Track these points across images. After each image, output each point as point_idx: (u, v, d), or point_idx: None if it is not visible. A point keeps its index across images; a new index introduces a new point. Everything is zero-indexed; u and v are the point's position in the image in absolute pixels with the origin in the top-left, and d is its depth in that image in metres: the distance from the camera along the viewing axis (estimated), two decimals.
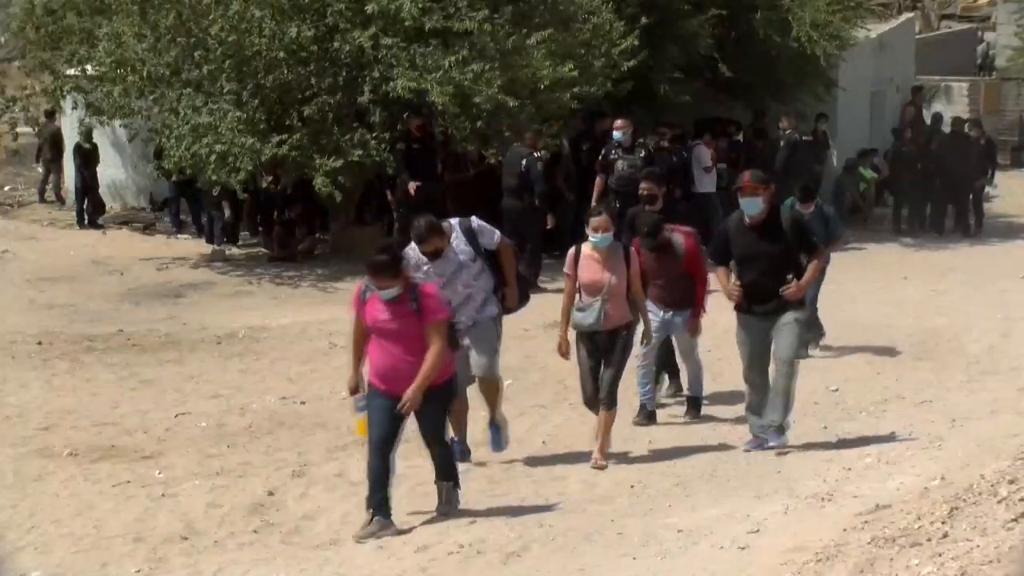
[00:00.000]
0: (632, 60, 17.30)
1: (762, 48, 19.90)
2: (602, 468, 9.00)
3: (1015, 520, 5.46)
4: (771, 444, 9.11)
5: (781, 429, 9.12)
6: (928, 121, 22.51)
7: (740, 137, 19.96)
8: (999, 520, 5.53)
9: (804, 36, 19.56)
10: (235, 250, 18.93)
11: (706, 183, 18.82)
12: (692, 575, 6.44)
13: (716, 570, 6.37)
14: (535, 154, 16.12)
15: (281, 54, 16.45)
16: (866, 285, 15.82)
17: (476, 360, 9.11)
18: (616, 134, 16.11)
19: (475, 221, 9.19)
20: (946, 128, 21.55)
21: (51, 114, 21.86)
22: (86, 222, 20.52)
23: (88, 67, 18.43)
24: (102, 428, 10.18)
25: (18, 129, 21.97)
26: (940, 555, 5.22)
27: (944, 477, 7.17)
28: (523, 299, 9.35)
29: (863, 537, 5.86)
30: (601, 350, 9.11)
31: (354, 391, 8.10)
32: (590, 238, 9.05)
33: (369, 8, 16.33)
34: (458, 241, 9.03)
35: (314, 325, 13.85)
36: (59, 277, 16.88)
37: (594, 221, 9.08)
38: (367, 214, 19.17)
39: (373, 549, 7.67)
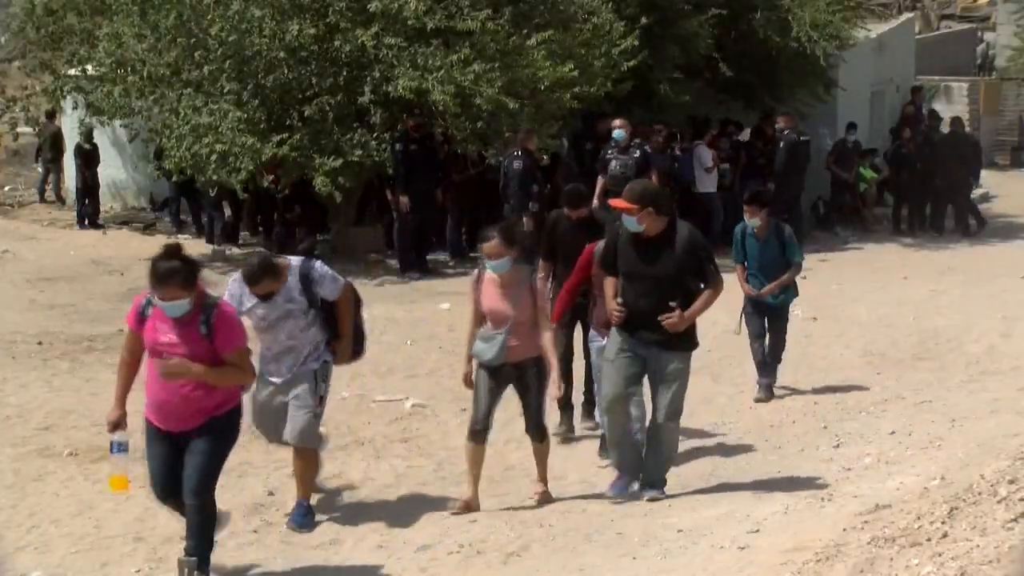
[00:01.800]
0: (632, 60, 17.31)
1: (762, 48, 19.92)
2: (549, 500, 8.27)
3: (1015, 520, 5.46)
4: (651, 495, 8.13)
5: (663, 482, 8.22)
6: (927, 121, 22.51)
7: (740, 137, 19.96)
8: (999, 520, 5.53)
9: (804, 36, 19.57)
10: (235, 250, 18.93)
11: (707, 183, 18.85)
12: (692, 575, 6.44)
13: (716, 570, 6.36)
14: (516, 153, 16.07)
15: (281, 54, 16.46)
16: (866, 285, 15.82)
17: (289, 425, 7.86)
18: (615, 133, 16.12)
19: (317, 268, 7.92)
20: (944, 128, 21.55)
21: (51, 114, 21.89)
22: (86, 222, 20.52)
23: (88, 67, 18.45)
24: (102, 428, 10.11)
25: (18, 129, 22.00)
26: (940, 555, 5.22)
27: (944, 477, 7.16)
28: (356, 354, 8.36)
29: (863, 537, 5.86)
30: (508, 383, 8.17)
31: (115, 426, 6.78)
32: (489, 264, 8.01)
33: (371, 7, 16.35)
34: (292, 287, 7.82)
35: None
36: (59, 277, 16.88)
37: (484, 247, 8.01)
38: (367, 214, 19.19)
39: (373, 549, 7.68)
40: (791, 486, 8.10)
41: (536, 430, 8.32)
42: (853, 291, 15.37)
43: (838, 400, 10.73)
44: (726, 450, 9.44)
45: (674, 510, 7.96)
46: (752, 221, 10.83)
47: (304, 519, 7.95)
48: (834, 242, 19.72)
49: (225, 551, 7.70)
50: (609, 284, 8.14)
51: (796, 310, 14.12)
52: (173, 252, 6.47)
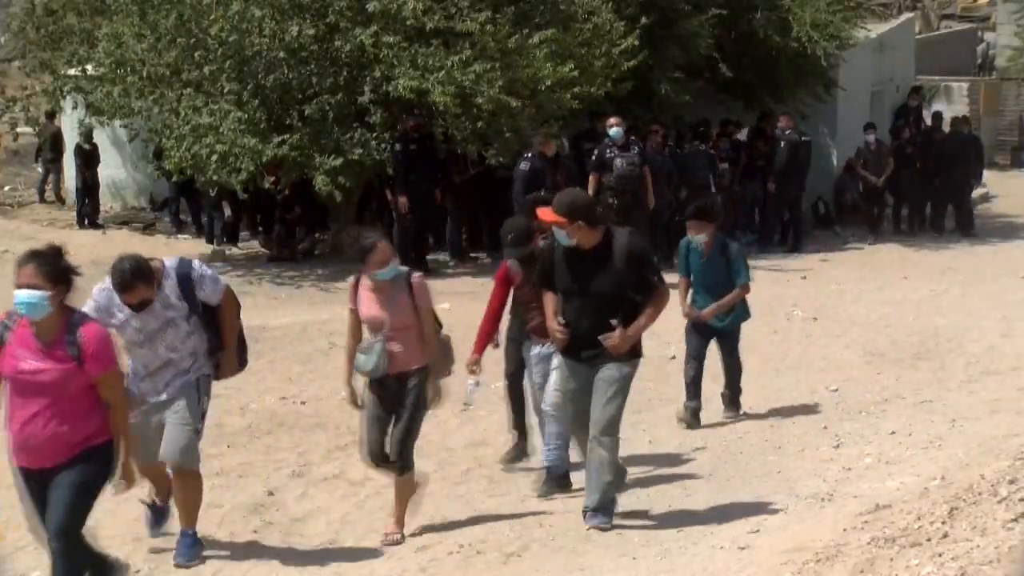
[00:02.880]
0: (632, 60, 17.31)
1: (762, 48, 19.92)
2: (396, 543, 7.61)
3: (1015, 520, 5.46)
4: (593, 523, 7.48)
5: (607, 509, 7.51)
6: (929, 121, 22.52)
7: (739, 136, 19.96)
8: (999, 520, 5.52)
9: (804, 36, 19.58)
10: (235, 250, 18.93)
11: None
12: (692, 575, 6.44)
13: (716, 570, 6.36)
14: (527, 155, 16.04)
15: (282, 54, 16.46)
16: (866, 285, 15.82)
17: (166, 442, 7.09)
18: (613, 131, 16.09)
19: (196, 268, 7.16)
20: (945, 128, 21.57)
21: (51, 114, 21.89)
22: (86, 222, 20.53)
23: (88, 67, 18.46)
24: None
25: (18, 129, 22.01)
26: (940, 555, 5.21)
27: (944, 477, 7.16)
28: (242, 365, 7.62)
29: (863, 537, 5.86)
30: (393, 399, 7.56)
31: None
32: (376, 273, 7.49)
33: (370, 7, 16.35)
34: (170, 292, 7.02)
35: (314, 325, 13.84)
36: None
37: (372, 257, 7.46)
38: (367, 214, 19.19)
39: (373, 549, 7.68)
40: (791, 486, 8.10)
41: (398, 458, 7.58)
42: (853, 291, 15.37)
43: (838, 400, 10.73)
44: (726, 450, 9.43)
45: (674, 510, 7.96)
46: (697, 237, 10.09)
47: (191, 551, 7.28)
48: (834, 242, 19.72)
49: (225, 551, 7.70)
50: (549, 300, 7.50)
51: (796, 310, 14.15)
52: (42, 254, 5.92)
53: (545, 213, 7.33)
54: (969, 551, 5.15)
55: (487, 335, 8.58)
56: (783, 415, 10.34)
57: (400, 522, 7.72)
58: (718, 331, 10.33)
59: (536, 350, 8.37)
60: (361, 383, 7.66)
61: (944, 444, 8.66)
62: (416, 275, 7.68)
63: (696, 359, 10.33)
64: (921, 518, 5.93)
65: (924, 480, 7.29)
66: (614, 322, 7.15)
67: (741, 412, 10.47)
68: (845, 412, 10.30)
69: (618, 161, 16.05)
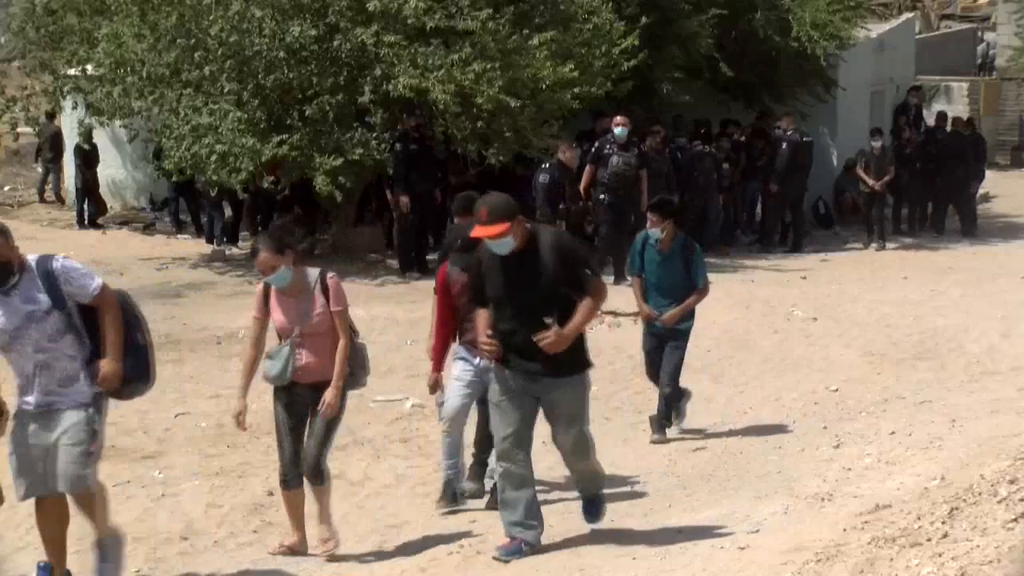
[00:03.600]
0: (632, 60, 17.31)
1: (762, 48, 19.92)
2: (331, 551, 7.38)
3: (1015, 520, 5.46)
4: (592, 522, 7.39)
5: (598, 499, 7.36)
6: (930, 120, 22.54)
7: (740, 137, 19.96)
8: (999, 520, 5.53)
9: (804, 36, 19.58)
10: (235, 250, 18.93)
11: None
12: (692, 575, 6.44)
13: (716, 570, 6.36)
14: (545, 166, 16.08)
15: (282, 54, 16.46)
16: (866, 285, 15.82)
17: (60, 468, 6.45)
18: (617, 130, 16.10)
19: (59, 261, 6.44)
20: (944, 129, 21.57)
21: (51, 114, 21.90)
22: (86, 222, 20.53)
23: (88, 67, 18.46)
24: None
25: (18, 129, 22.02)
26: (940, 555, 5.22)
27: (944, 477, 7.16)
28: (142, 379, 6.71)
29: (863, 537, 5.86)
30: (306, 410, 7.18)
31: None
32: (268, 280, 7.07)
33: (370, 7, 16.35)
34: (31, 284, 6.34)
35: None
36: None
37: (256, 262, 7.08)
38: (368, 214, 19.19)
39: (373, 549, 7.68)
40: (791, 486, 8.09)
41: (312, 470, 7.21)
42: (853, 291, 15.37)
43: (838, 400, 10.73)
44: (726, 450, 9.44)
45: (674, 510, 7.96)
46: (654, 231, 9.62)
47: (105, 564, 6.76)
48: (834, 242, 19.73)
49: (225, 551, 7.70)
50: (481, 317, 7.04)
51: (796, 310, 14.16)
52: None
53: (483, 231, 6.76)
54: (969, 551, 5.15)
55: (441, 349, 8.09)
56: (783, 415, 10.34)
57: (328, 523, 7.41)
58: (668, 332, 9.76)
59: (477, 363, 7.84)
60: (270, 396, 7.28)
61: (944, 444, 8.66)
62: (331, 276, 7.16)
63: (653, 378, 9.88)
64: (921, 518, 5.93)
65: (924, 480, 7.29)
66: (549, 320, 6.71)
67: (679, 430, 9.86)
68: (845, 412, 10.31)
69: (615, 159, 16.06)
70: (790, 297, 14.97)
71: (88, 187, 20.63)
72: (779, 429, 9.92)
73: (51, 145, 22.24)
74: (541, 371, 6.83)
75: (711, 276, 13.55)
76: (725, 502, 7.92)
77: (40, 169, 23.09)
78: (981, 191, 22.03)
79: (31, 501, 7.80)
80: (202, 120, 16.28)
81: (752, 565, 6.17)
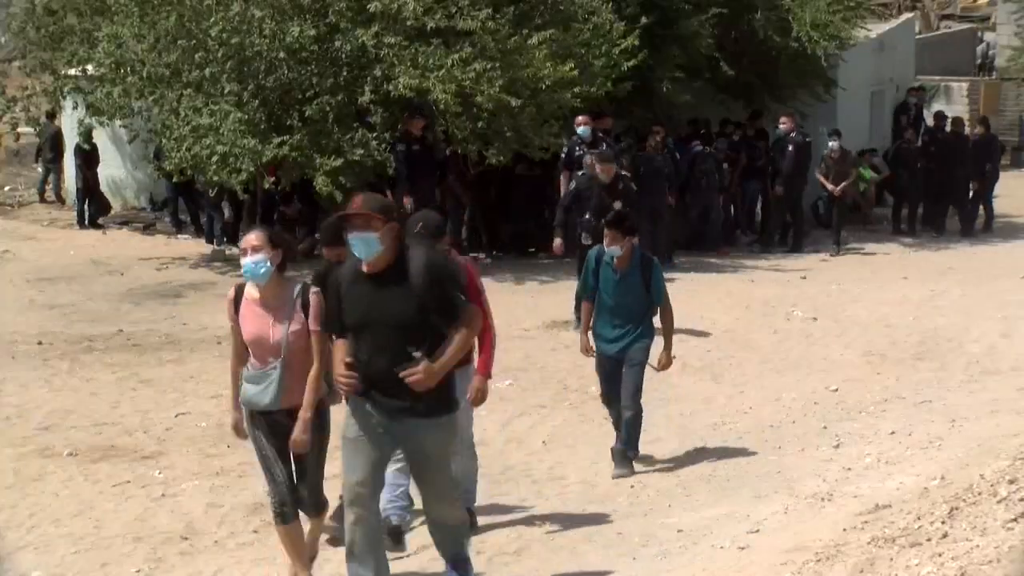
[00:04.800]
0: (632, 60, 17.31)
1: (762, 48, 19.92)
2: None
3: (1015, 520, 5.46)
4: None
5: (462, 557, 6.60)
6: (931, 121, 22.55)
7: (735, 135, 19.95)
8: (999, 520, 5.53)
9: (804, 36, 19.57)
10: (235, 250, 18.92)
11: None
12: (692, 575, 6.44)
13: (716, 570, 6.37)
14: (580, 172, 15.98)
15: (282, 54, 16.45)
16: (866, 285, 15.82)
17: None
18: (579, 130, 16.02)
19: None
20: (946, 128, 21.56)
21: (51, 114, 21.90)
22: (86, 222, 20.54)
23: (88, 67, 18.46)
24: (102, 428, 10.19)
25: (19, 129, 22.02)
26: (940, 555, 5.22)
27: (944, 477, 7.16)
28: None
29: (863, 537, 5.86)
30: (287, 434, 6.53)
31: None
32: (247, 265, 6.47)
33: (370, 7, 16.35)
34: None
35: None
36: (59, 277, 16.88)
37: (246, 239, 6.54)
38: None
39: None
40: (791, 486, 8.10)
41: (314, 503, 6.76)
42: (853, 291, 15.37)
43: (838, 400, 10.73)
44: (726, 450, 9.44)
45: (674, 510, 7.97)
46: (612, 249, 8.82)
47: None
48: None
49: (225, 551, 7.71)
50: (339, 348, 6.21)
51: (796, 310, 14.16)
52: None
53: (351, 214, 5.99)
54: (969, 551, 5.16)
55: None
56: (783, 415, 10.34)
57: (307, 569, 6.85)
58: (616, 359, 8.97)
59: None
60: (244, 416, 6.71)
61: (944, 444, 8.66)
62: (314, 291, 6.50)
63: (612, 405, 9.11)
64: (921, 518, 5.93)
65: (924, 480, 7.29)
66: (417, 353, 5.90)
67: (638, 465, 9.08)
68: (845, 412, 10.31)
69: (587, 158, 16.03)
70: (790, 297, 14.97)
71: (88, 187, 20.63)
72: (779, 429, 9.93)
73: (51, 145, 22.24)
74: (404, 409, 6.01)
75: (711, 276, 13.63)
76: (725, 502, 7.93)
77: (40, 169, 23.09)
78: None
79: (32, 500, 7.81)
80: (202, 121, 16.28)
81: (752, 565, 6.17)
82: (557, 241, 13.45)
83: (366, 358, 6.01)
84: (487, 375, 7.36)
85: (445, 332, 6.02)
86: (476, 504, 7.80)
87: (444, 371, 6.00)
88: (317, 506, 6.85)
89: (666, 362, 8.99)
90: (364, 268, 6.01)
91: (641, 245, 9.32)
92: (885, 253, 19.03)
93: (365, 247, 5.95)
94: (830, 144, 18.96)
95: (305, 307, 6.48)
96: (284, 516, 6.66)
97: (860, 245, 19.53)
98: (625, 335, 8.93)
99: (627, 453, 9.00)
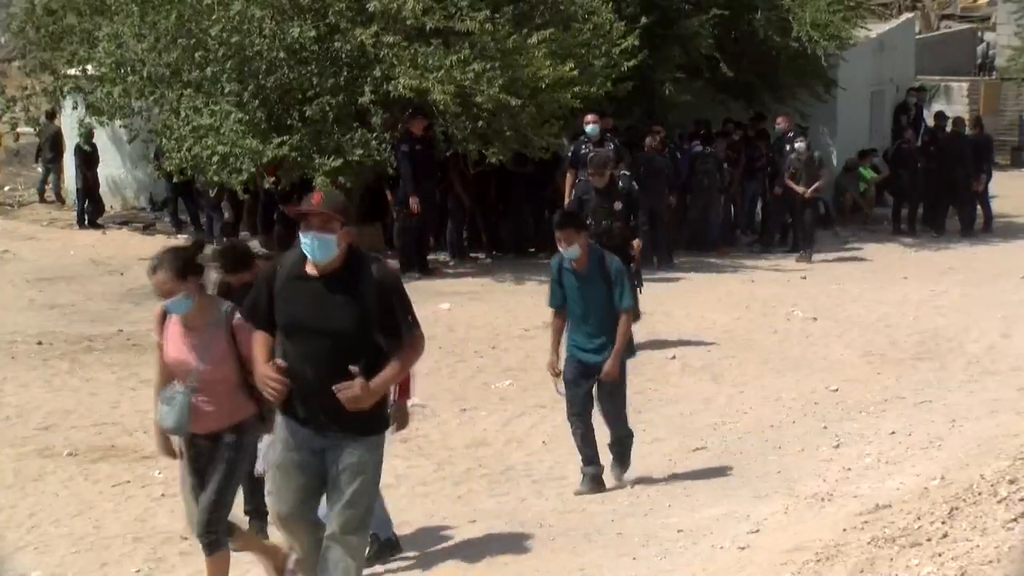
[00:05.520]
0: (632, 60, 17.31)
1: (762, 48, 19.91)
2: None
3: (1015, 520, 5.46)
4: None
5: None
6: (931, 121, 22.55)
7: (736, 136, 19.94)
8: (999, 520, 5.53)
9: (804, 36, 19.57)
10: None
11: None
12: (692, 575, 6.44)
13: (716, 570, 6.37)
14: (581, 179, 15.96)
15: (282, 54, 16.45)
16: (866, 285, 15.82)
17: None
18: (588, 128, 16.05)
19: None
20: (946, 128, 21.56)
21: (51, 114, 21.90)
22: (86, 222, 20.54)
23: (88, 67, 18.46)
24: (102, 428, 10.18)
25: (19, 129, 22.01)
26: (940, 555, 5.22)
27: (944, 477, 7.16)
28: None
29: (863, 537, 5.86)
30: (207, 460, 6.24)
31: None
32: (167, 306, 6.18)
33: (370, 7, 16.35)
34: None
35: None
36: (59, 277, 16.89)
37: (154, 281, 6.12)
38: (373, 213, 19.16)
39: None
40: (791, 486, 8.10)
41: (205, 532, 6.24)
42: (853, 291, 15.37)
43: (838, 400, 10.72)
44: (726, 450, 9.43)
45: (674, 510, 7.96)
46: (569, 251, 8.27)
47: None
48: (834, 242, 19.73)
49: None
50: (259, 343, 5.74)
51: (796, 310, 14.16)
52: None
53: (309, 209, 5.60)
54: (969, 551, 5.16)
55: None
56: (783, 415, 10.34)
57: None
58: (597, 368, 8.43)
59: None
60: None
61: (944, 444, 8.66)
62: (238, 317, 6.10)
63: (580, 415, 8.55)
64: (921, 518, 5.93)
65: (924, 480, 7.29)
66: (355, 369, 5.48)
67: (631, 478, 8.71)
68: (845, 412, 10.30)
69: (592, 156, 16.02)
70: (790, 297, 14.97)
71: (88, 187, 20.63)
72: (779, 429, 9.92)
73: (51, 145, 22.23)
74: (332, 426, 5.60)
75: (711, 276, 13.61)
76: (725, 502, 7.92)
77: (40, 169, 23.08)
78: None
79: (32, 500, 7.81)
80: (203, 121, 16.28)
81: (752, 565, 6.17)
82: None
83: (296, 366, 5.60)
84: (408, 397, 6.86)
85: (383, 350, 5.59)
86: (475, 509, 7.80)
87: (380, 393, 5.60)
88: (209, 541, 6.26)
89: (611, 370, 8.31)
90: (309, 268, 5.61)
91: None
92: (885, 253, 19.02)
93: (322, 249, 5.54)
94: (796, 145, 18.22)
95: (231, 330, 6.11)
96: (208, 548, 6.30)
97: (860, 245, 19.52)
98: (606, 344, 8.36)
99: (613, 471, 8.66)
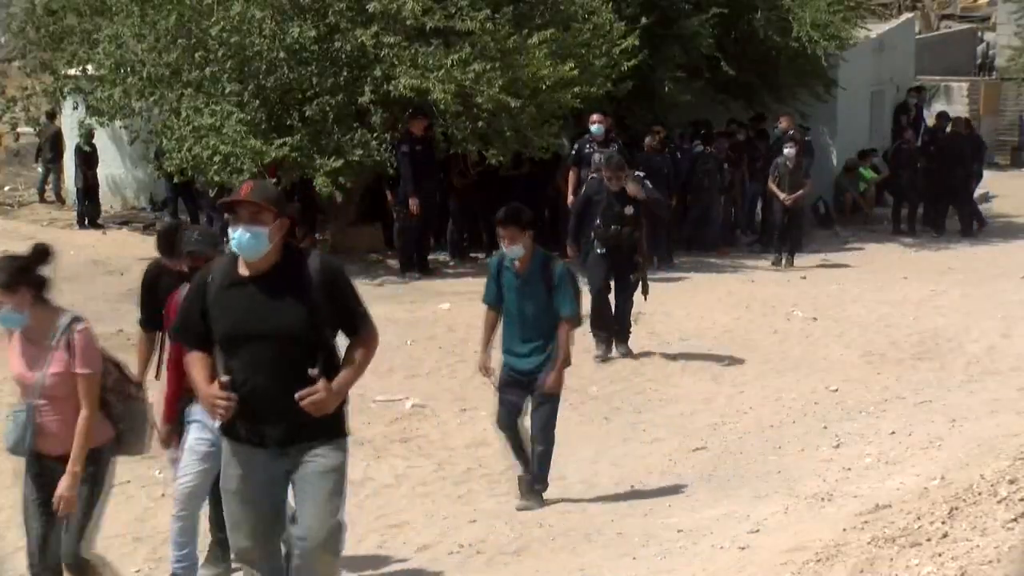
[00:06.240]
0: (632, 60, 17.32)
1: (762, 48, 19.92)
2: None
3: (1015, 520, 5.47)
4: None
5: None
6: (931, 121, 22.55)
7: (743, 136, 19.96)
8: (999, 520, 5.53)
9: (804, 36, 19.57)
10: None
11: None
12: (692, 575, 6.44)
13: (716, 570, 6.36)
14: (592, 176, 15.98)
15: (282, 54, 16.45)
16: (866, 285, 15.82)
17: None
18: (593, 128, 16.07)
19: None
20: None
21: (51, 115, 21.91)
22: (86, 222, 20.54)
23: (88, 68, 18.46)
24: None
25: (19, 129, 22.01)
26: (940, 555, 5.22)
27: (944, 477, 7.17)
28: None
29: (863, 537, 5.86)
30: (54, 485, 5.78)
31: None
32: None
33: (370, 7, 16.35)
34: None
35: None
36: (59, 277, 16.76)
37: None
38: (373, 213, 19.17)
39: (373, 549, 7.68)
40: (791, 486, 8.10)
41: (70, 561, 5.87)
42: (853, 291, 15.37)
43: (838, 400, 10.73)
44: (726, 450, 9.44)
45: (674, 510, 7.96)
46: (511, 249, 7.88)
47: None
48: (834, 242, 19.74)
49: (225, 551, 7.69)
50: (198, 364, 5.25)
51: (796, 310, 14.16)
52: None
53: (240, 201, 5.14)
54: (969, 551, 5.16)
55: (175, 397, 6.68)
56: (783, 415, 10.34)
57: None
58: (531, 376, 8.04)
59: (195, 432, 6.49)
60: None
61: (944, 444, 8.66)
62: (81, 328, 5.72)
63: (510, 428, 8.23)
64: (921, 518, 5.93)
65: (924, 480, 7.29)
66: (314, 372, 5.06)
67: (543, 502, 8.22)
68: (845, 412, 10.31)
69: (596, 156, 16.03)
70: (790, 297, 14.97)
71: (88, 187, 20.64)
72: (779, 429, 9.92)
73: (51, 145, 22.23)
74: (292, 438, 5.14)
75: (711, 276, 13.57)
76: (725, 502, 7.92)
77: (40, 169, 23.08)
78: (980, 191, 22.04)
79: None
80: (204, 121, 16.28)
81: (752, 565, 6.17)
82: (569, 250, 12.19)
83: (242, 378, 5.10)
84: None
85: (335, 349, 5.21)
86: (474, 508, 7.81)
87: (344, 394, 5.18)
88: (74, 569, 5.89)
89: (552, 382, 7.93)
90: (242, 270, 5.13)
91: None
92: (885, 253, 19.03)
93: (252, 244, 5.06)
94: (785, 151, 17.88)
95: (70, 346, 5.66)
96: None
97: (860, 245, 19.53)
98: (537, 350, 7.98)
99: (535, 486, 8.22)
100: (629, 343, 12.12)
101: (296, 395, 5.02)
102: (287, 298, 5.10)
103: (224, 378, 5.11)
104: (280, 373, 5.08)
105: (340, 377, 5.15)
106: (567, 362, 8.02)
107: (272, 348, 5.08)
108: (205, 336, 5.21)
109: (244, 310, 5.11)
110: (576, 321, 8.04)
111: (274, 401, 5.08)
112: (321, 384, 5.06)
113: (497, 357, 8.25)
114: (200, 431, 6.42)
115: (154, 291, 7.15)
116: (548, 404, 8.08)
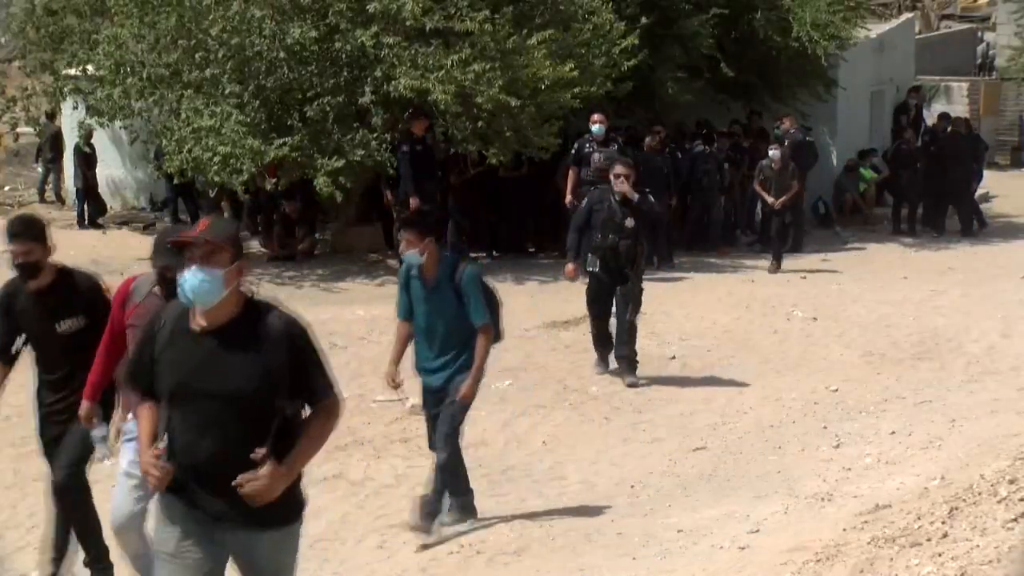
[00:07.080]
0: (632, 60, 17.32)
1: (762, 48, 19.93)
2: None
3: (1015, 520, 5.47)
4: None
5: None
6: (931, 121, 22.57)
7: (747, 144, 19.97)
8: (999, 520, 5.53)
9: (804, 36, 19.58)
10: None
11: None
12: (692, 575, 6.44)
13: (716, 570, 6.37)
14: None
15: (282, 55, 16.46)
16: (866, 285, 15.83)
17: None
18: (594, 128, 16.08)
19: None
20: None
21: (51, 115, 21.92)
22: (86, 222, 20.55)
23: (88, 68, 18.47)
24: None
25: (19, 129, 22.01)
26: (940, 555, 5.22)
27: (944, 477, 7.17)
28: None
29: (863, 537, 5.86)
30: None
31: None
32: None
33: (370, 8, 16.36)
34: None
35: (314, 325, 13.76)
36: None
37: None
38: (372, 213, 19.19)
39: (373, 549, 7.68)
40: (791, 486, 8.10)
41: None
42: (853, 291, 15.37)
43: (838, 400, 10.72)
44: (726, 450, 9.43)
45: (674, 510, 7.96)
46: (409, 255, 7.45)
47: None
48: (834, 242, 19.75)
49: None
50: (144, 417, 4.72)
51: (796, 310, 14.16)
52: None
53: (193, 239, 4.57)
54: (969, 551, 5.16)
55: (99, 383, 6.51)
56: (783, 415, 10.34)
57: None
58: (437, 391, 7.62)
59: (131, 452, 5.97)
60: None
61: (944, 444, 8.66)
62: None
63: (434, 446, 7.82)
64: (921, 518, 5.93)
65: (924, 480, 7.30)
66: (260, 453, 4.48)
67: (438, 535, 7.67)
68: (845, 412, 10.30)
69: (596, 155, 16.03)
70: (790, 297, 14.97)
71: (88, 187, 20.65)
72: (779, 429, 9.92)
73: (51, 145, 22.24)
74: (234, 518, 4.57)
75: (711, 276, 13.55)
76: (725, 502, 7.92)
77: (40, 169, 23.09)
78: (980, 191, 22.06)
79: (32, 500, 7.79)
80: (203, 122, 16.28)
81: (752, 565, 6.17)
82: (569, 266, 11.35)
83: (185, 440, 4.55)
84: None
85: (290, 417, 4.61)
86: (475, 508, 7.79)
87: (294, 476, 4.61)
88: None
89: (466, 391, 7.45)
90: (198, 320, 4.56)
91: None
92: (885, 253, 19.03)
93: (205, 288, 4.47)
94: (771, 153, 17.71)
95: None
96: None
97: (860, 245, 19.53)
98: (448, 363, 7.53)
99: (431, 507, 7.61)
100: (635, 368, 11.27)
101: (234, 481, 4.44)
102: (243, 357, 4.52)
103: (161, 444, 4.56)
104: (226, 439, 4.51)
105: (291, 456, 4.56)
106: (481, 373, 7.51)
107: (221, 410, 4.51)
108: (152, 382, 4.68)
109: (192, 365, 4.54)
110: (491, 330, 7.48)
111: (217, 469, 4.49)
112: (265, 470, 4.46)
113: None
114: (135, 453, 5.69)
115: (11, 314, 7.05)
116: (452, 409, 7.52)
